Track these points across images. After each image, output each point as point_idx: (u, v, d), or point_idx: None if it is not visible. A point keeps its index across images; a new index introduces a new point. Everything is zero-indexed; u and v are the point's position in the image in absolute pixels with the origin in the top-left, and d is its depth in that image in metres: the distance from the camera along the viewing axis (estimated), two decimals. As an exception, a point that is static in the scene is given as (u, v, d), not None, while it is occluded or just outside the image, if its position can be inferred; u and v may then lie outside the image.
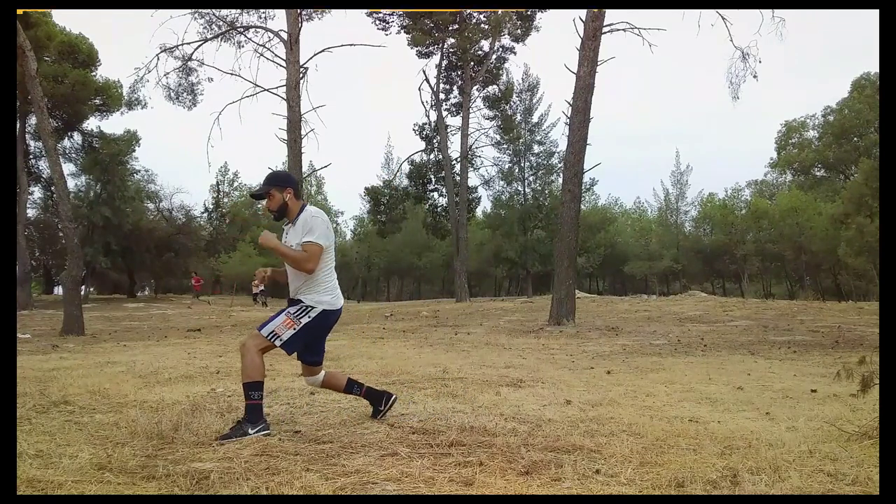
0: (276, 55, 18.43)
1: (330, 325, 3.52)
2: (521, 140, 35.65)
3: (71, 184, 30.38)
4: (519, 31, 28.62)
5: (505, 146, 35.39)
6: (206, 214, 43.98)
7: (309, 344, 3.48)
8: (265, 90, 18.29)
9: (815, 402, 4.26)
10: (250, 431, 3.14)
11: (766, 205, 37.58)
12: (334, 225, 47.81)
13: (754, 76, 15.25)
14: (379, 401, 3.66)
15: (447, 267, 37.57)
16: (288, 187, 3.45)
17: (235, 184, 46.13)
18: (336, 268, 3.66)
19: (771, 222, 35.31)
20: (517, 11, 27.19)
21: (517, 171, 36.57)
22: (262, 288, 27.10)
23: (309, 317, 3.36)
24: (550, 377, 5.56)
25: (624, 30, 13.68)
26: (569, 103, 13.09)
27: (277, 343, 3.29)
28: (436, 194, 31.75)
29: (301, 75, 17.59)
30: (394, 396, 3.72)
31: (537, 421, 3.56)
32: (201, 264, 38.98)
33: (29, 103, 19.49)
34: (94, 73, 30.59)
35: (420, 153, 30.82)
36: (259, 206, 3.46)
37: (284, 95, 17.60)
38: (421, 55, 29.30)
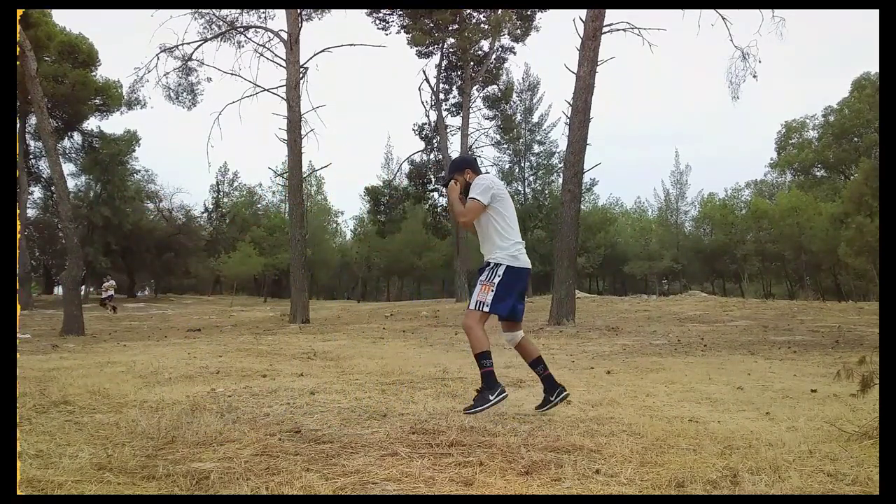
0: (276, 55, 18.43)
1: (522, 281, 3.69)
2: (521, 140, 35.67)
3: (71, 184, 30.44)
4: (519, 31, 28.61)
5: (505, 146, 35.40)
6: (206, 214, 44.00)
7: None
8: (265, 90, 18.29)
9: (815, 402, 4.26)
10: (491, 398, 3.45)
11: (766, 205, 37.58)
12: (334, 225, 47.92)
13: (754, 76, 15.27)
14: (552, 391, 3.75)
15: (447, 267, 37.57)
16: (467, 168, 3.92)
17: (235, 184, 46.09)
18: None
19: (771, 222, 35.31)
20: (517, 11, 27.18)
21: (517, 171, 36.58)
22: (111, 293, 26.07)
23: (499, 275, 3.59)
24: (550, 377, 5.55)
25: (624, 30, 13.69)
26: (569, 103, 13.10)
27: (486, 309, 3.53)
28: (436, 194, 31.74)
29: (301, 75, 17.58)
30: (566, 393, 3.79)
31: (537, 421, 3.56)
32: (201, 264, 38.96)
33: (29, 103, 19.47)
34: (94, 73, 30.60)
35: (420, 153, 30.82)
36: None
37: (284, 95, 17.60)
38: (421, 55, 29.30)
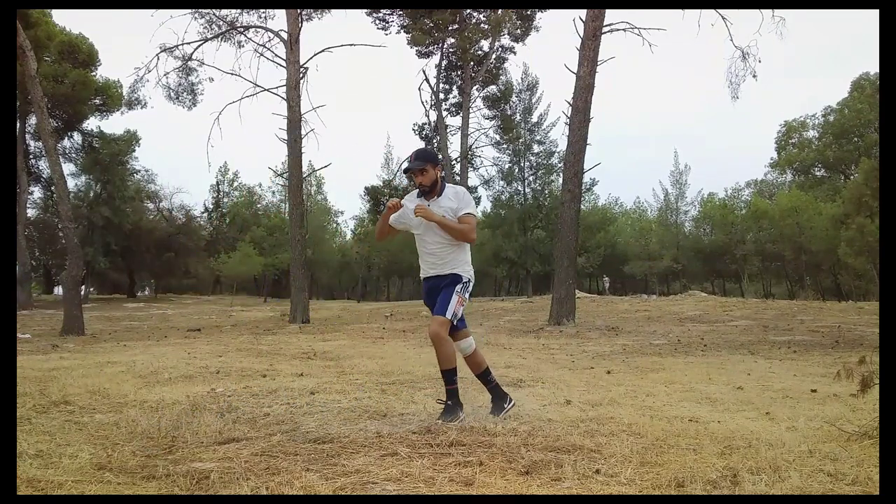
0: (276, 55, 18.45)
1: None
2: (520, 140, 35.67)
3: (71, 184, 30.42)
4: (519, 30, 28.66)
5: (505, 146, 35.40)
6: (206, 214, 44.01)
7: None
8: (265, 90, 18.30)
9: (815, 402, 4.26)
10: (461, 413, 3.46)
11: (766, 205, 37.54)
12: (334, 225, 47.94)
13: (754, 76, 15.28)
14: (503, 398, 3.71)
15: (447, 267, 37.50)
16: (439, 165, 3.66)
17: (235, 184, 46.10)
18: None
19: (771, 222, 35.27)
20: (517, 11, 27.20)
21: (517, 171, 36.57)
22: None
23: (468, 290, 3.62)
24: (550, 377, 5.56)
25: (624, 30, 13.70)
26: (569, 103, 13.10)
27: (455, 321, 3.53)
28: (436, 194, 31.76)
29: (301, 75, 17.59)
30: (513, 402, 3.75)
31: (537, 421, 3.56)
32: (201, 264, 38.96)
33: (29, 103, 19.51)
34: (94, 73, 30.61)
35: (420, 153, 30.82)
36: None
37: (284, 95, 17.60)
38: (421, 55, 29.36)
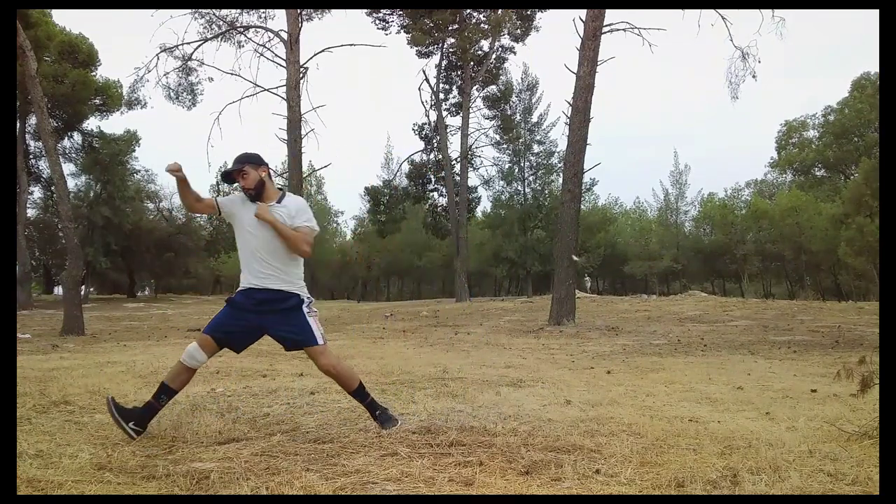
0: (276, 55, 18.50)
1: None
2: (520, 140, 35.64)
3: (71, 184, 30.37)
4: (519, 30, 28.64)
5: (505, 146, 35.37)
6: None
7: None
8: (265, 90, 18.34)
9: (815, 402, 4.26)
10: (395, 416, 3.38)
11: (766, 205, 37.55)
12: (334, 225, 47.92)
13: (753, 76, 15.29)
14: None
15: (447, 267, 37.55)
16: (262, 165, 3.32)
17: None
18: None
19: (771, 222, 35.28)
20: (517, 11, 27.20)
21: (517, 170, 36.55)
22: None
23: (313, 305, 3.35)
24: (550, 377, 5.56)
25: (624, 30, 13.70)
26: (569, 103, 13.10)
27: (324, 340, 3.30)
28: (436, 194, 31.76)
29: (301, 75, 17.61)
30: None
31: (537, 421, 3.56)
32: (201, 264, 38.94)
33: (29, 103, 19.51)
34: (94, 73, 30.57)
35: (420, 153, 30.84)
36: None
37: (284, 95, 17.62)
38: (421, 55, 29.33)
